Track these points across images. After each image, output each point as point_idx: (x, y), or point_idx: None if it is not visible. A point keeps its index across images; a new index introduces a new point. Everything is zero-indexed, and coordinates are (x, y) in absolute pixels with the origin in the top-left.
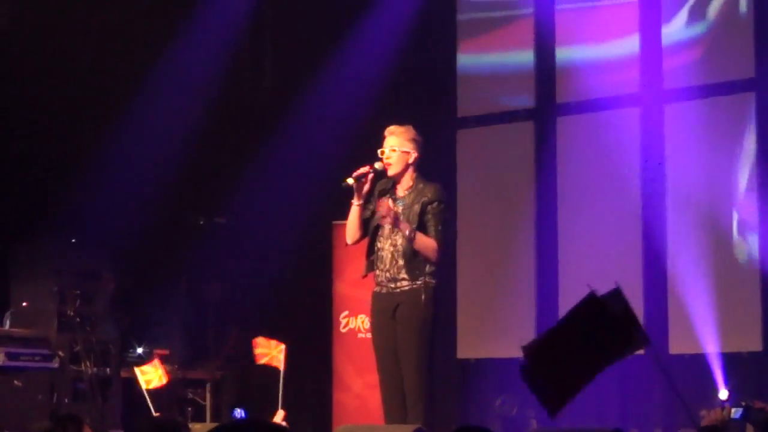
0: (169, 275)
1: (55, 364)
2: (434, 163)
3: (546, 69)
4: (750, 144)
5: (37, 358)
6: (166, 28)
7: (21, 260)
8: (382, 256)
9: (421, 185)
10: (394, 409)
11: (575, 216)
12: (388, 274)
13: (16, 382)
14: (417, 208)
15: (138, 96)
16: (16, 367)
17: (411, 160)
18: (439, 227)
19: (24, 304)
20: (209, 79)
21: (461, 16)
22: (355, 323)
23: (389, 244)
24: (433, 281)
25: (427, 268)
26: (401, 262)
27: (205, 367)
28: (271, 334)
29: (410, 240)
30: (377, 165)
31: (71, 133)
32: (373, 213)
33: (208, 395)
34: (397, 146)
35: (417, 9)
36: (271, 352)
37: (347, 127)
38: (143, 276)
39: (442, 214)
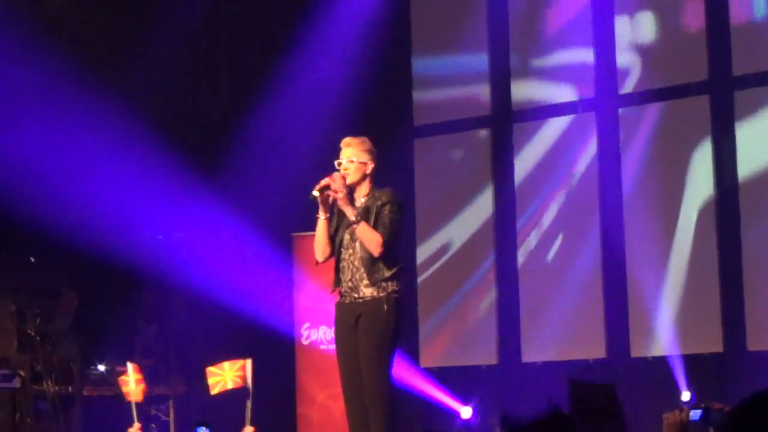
0: (129, 291)
1: (17, 384)
2: (392, 173)
3: (501, 76)
4: (705, 146)
5: None
6: (119, 48)
7: None
8: (344, 267)
9: (376, 193)
10: (358, 420)
11: (534, 222)
12: (350, 284)
13: None
14: (372, 211)
15: (94, 110)
16: None
17: (368, 171)
18: (387, 225)
19: None
20: (166, 94)
21: (415, 25)
22: (316, 335)
23: (349, 254)
24: (396, 291)
25: (388, 275)
26: (362, 269)
27: (167, 383)
28: (233, 347)
29: (355, 223)
30: (336, 175)
31: (28, 151)
32: (337, 229)
33: (171, 411)
34: (354, 157)
35: (371, 18)
36: (224, 376)
37: (305, 138)
38: (103, 292)
39: (392, 214)
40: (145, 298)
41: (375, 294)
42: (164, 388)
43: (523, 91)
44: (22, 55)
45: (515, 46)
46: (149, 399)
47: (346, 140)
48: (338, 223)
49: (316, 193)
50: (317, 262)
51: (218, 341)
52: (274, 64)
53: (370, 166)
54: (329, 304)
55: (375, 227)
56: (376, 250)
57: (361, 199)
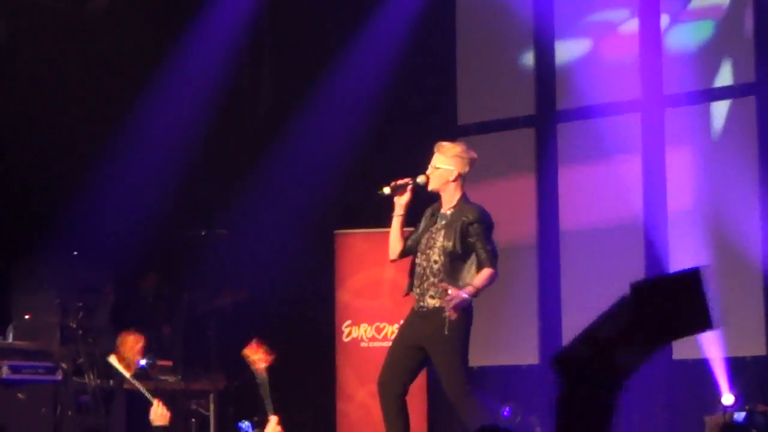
0: (170, 287)
1: (59, 377)
2: None
3: (546, 75)
4: (751, 148)
5: (40, 371)
6: (164, 47)
7: (23, 274)
8: (416, 272)
9: (465, 205)
10: (388, 410)
11: (577, 222)
12: (418, 290)
13: (19, 395)
14: (457, 226)
15: (137, 111)
16: (19, 380)
17: (452, 177)
18: (488, 247)
19: (26, 317)
20: (208, 94)
21: (460, 22)
22: (357, 332)
23: (423, 259)
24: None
25: (469, 279)
26: (431, 278)
27: (209, 378)
28: (274, 343)
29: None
30: (419, 179)
31: (72, 149)
32: (419, 235)
33: (212, 406)
34: (438, 163)
35: (416, 18)
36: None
37: (348, 136)
38: (144, 288)
39: (484, 234)
40: (184, 294)
41: (437, 305)
42: (205, 383)
43: (568, 90)
44: (65, 55)
45: (561, 45)
46: (190, 394)
47: (438, 144)
48: (419, 227)
49: (387, 190)
50: (391, 260)
51: (259, 337)
52: (319, 61)
53: (455, 173)
54: (370, 301)
55: (463, 246)
56: (492, 280)
57: (448, 209)
